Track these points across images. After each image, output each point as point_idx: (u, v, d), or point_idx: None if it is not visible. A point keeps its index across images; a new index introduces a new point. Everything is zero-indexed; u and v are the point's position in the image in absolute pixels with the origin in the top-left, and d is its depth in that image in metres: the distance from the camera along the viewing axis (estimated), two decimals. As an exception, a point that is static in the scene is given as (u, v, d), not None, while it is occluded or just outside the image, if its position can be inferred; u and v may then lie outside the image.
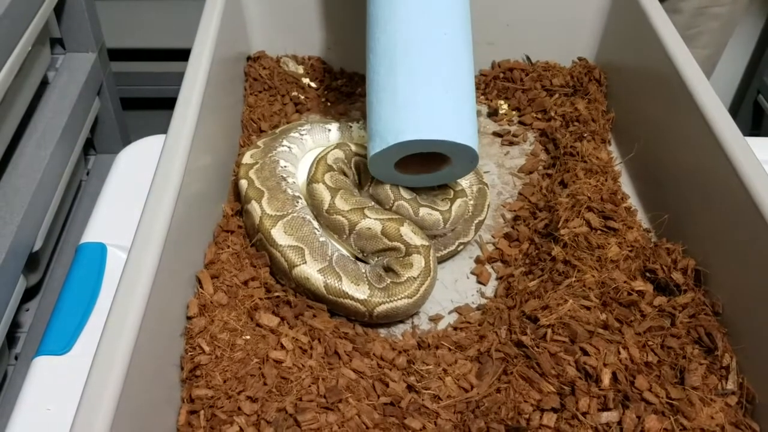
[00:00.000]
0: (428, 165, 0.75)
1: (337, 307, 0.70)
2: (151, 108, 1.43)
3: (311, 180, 0.77)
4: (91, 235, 0.87)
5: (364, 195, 0.79)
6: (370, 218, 0.73)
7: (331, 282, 0.69)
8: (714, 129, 0.70)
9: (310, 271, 0.69)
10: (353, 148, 0.81)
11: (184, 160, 0.67)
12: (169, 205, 0.62)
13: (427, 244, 0.72)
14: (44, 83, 1.04)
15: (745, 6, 1.31)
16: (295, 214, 0.74)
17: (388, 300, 0.68)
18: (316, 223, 0.75)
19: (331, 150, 0.80)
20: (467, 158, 0.72)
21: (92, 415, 0.47)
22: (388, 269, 0.72)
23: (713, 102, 0.73)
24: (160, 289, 0.57)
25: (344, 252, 0.75)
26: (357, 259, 0.75)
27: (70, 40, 1.09)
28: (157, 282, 0.57)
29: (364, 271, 0.71)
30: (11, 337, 0.93)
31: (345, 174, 0.80)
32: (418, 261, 0.71)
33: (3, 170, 0.90)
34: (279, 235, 0.71)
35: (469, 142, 0.69)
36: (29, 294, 0.98)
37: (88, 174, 1.18)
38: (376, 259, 0.74)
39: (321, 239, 0.72)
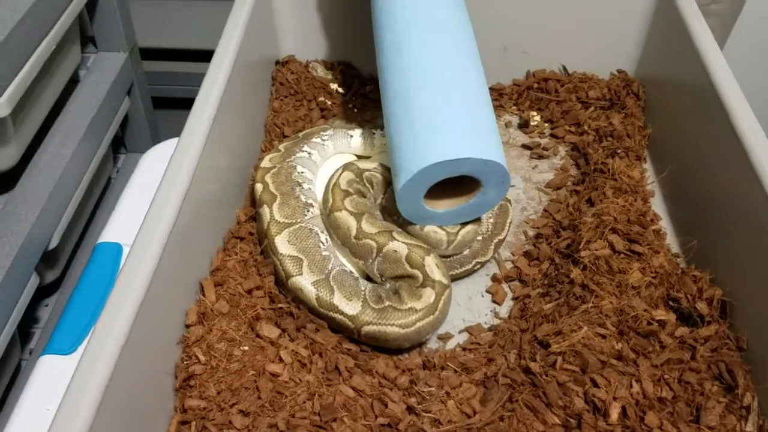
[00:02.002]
0: (458, 196, 0.72)
1: (329, 322, 0.68)
2: (184, 108, 1.43)
3: (332, 210, 0.73)
4: (109, 234, 0.87)
5: (377, 208, 0.76)
6: (398, 241, 0.70)
7: (323, 295, 0.66)
8: (749, 154, 0.66)
9: (304, 282, 0.67)
10: (360, 165, 0.78)
11: (195, 162, 0.66)
12: (174, 207, 0.61)
13: (446, 282, 0.68)
14: (75, 81, 1.05)
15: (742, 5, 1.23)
16: (303, 224, 0.72)
17: (377, 321, 0.65)
18: (323, 236, 0.72)
19: (341, 174, 0.76)
20: (497, 179, 0.68)
21: (69, 420, 0.46)
22: (395, 293, 0.69)
23: (751, 125, 0.69)
24: (158, 293, 0.56)
25: (349, 268, 0.72)
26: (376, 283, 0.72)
27: (102, 40, 1.09)
28: (153, 286, 0.55)
29: (363, 288, 0.68)
30: (27, 333, 0.93)
31: (362, 194, 0.77)
32: (427, 296, 0.67)
33: (25, 167, 0.90)
34: (282, 243, 0.69)
35: (495, 158, 0.66)
36: (50, 290, 0.98)
37: (117, 172, 1.18)
38: (390, 283, 0.71)
39: (324, 253, 0.70)
